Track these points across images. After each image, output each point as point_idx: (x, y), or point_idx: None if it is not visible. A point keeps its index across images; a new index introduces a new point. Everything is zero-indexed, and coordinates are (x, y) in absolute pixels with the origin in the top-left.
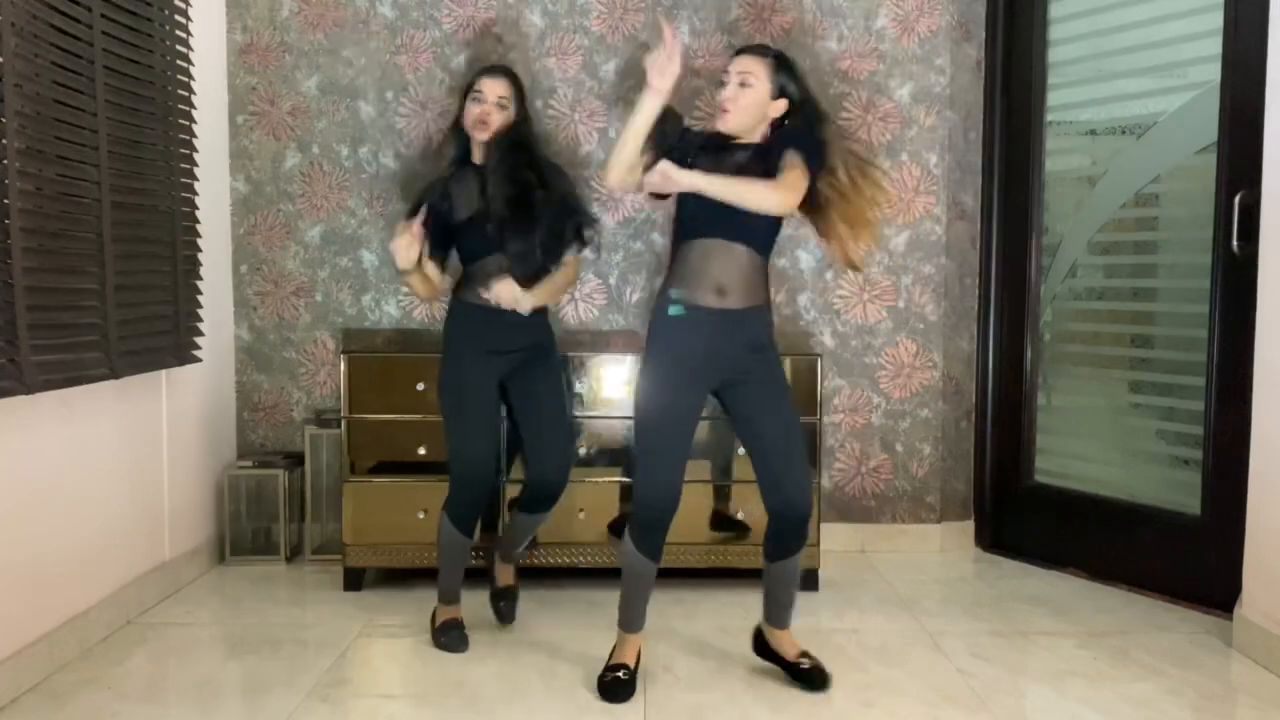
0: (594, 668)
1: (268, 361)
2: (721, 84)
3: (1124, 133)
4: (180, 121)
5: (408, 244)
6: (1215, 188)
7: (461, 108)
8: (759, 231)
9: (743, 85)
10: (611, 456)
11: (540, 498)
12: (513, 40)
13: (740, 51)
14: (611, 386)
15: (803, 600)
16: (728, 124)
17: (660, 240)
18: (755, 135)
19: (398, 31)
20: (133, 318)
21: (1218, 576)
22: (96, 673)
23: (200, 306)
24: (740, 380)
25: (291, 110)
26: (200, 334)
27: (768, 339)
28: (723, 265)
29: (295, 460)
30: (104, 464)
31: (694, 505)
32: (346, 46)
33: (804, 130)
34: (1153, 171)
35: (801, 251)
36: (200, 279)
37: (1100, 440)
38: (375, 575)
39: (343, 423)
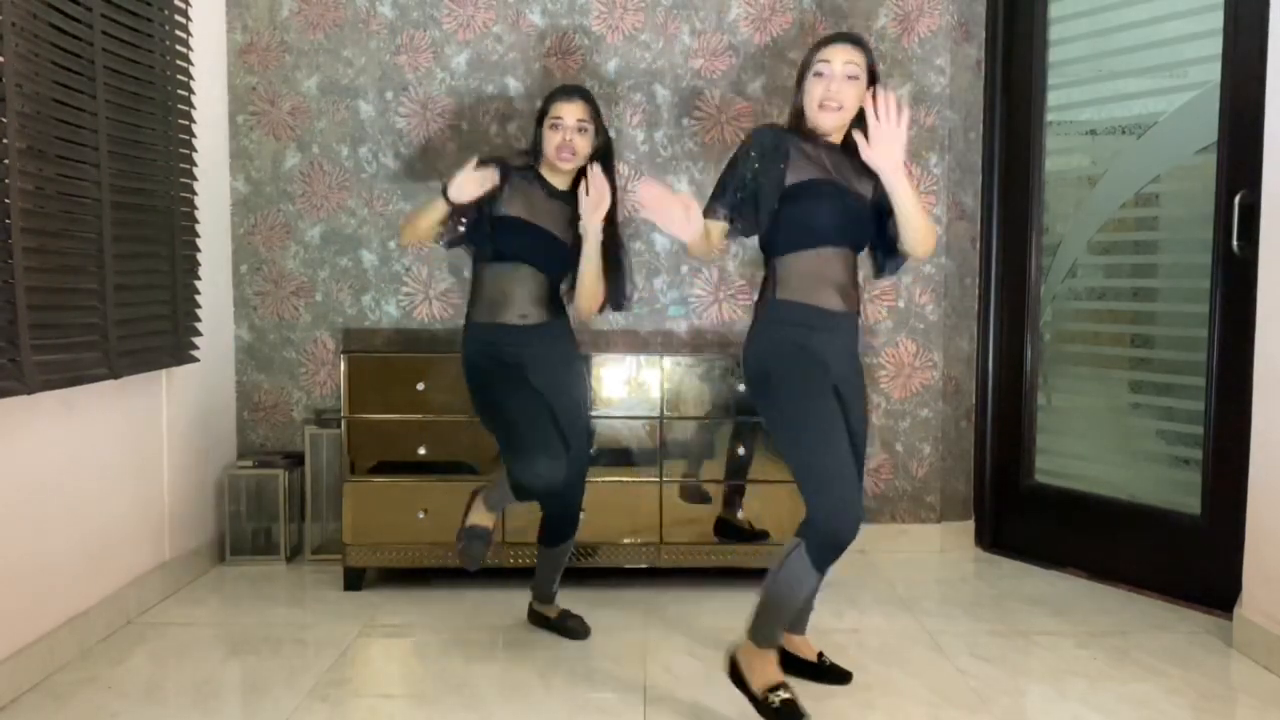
0: (593, 668)
1: (268, 361)
2: (818, 74)
3: (1124, 133)
4: (180, 121)
5: (481, 180)
6: (1215, 188)
7: (538, 135)
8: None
9: (851, 78)
10: (613, 456)
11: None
12: (513, 40)
13: (836, 39)
14: (612, 386)
15: None
16: (838, 120)
17: (661, 240)
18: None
19: (398, 31)
20: (131, 318)
21: (1218, 576)
22: (96, 673)
23: (198, 306)
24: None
25: (291, 110)
26: (198, 334)
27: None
28: (840, 269)
29: (295, 460)
30: (104, 464)
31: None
32: (346, 46)
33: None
34: (1153, 171)
35: None
36: (199, 279)
37: (1100, 440)
38: (375, 575)
39: (343, 423)
